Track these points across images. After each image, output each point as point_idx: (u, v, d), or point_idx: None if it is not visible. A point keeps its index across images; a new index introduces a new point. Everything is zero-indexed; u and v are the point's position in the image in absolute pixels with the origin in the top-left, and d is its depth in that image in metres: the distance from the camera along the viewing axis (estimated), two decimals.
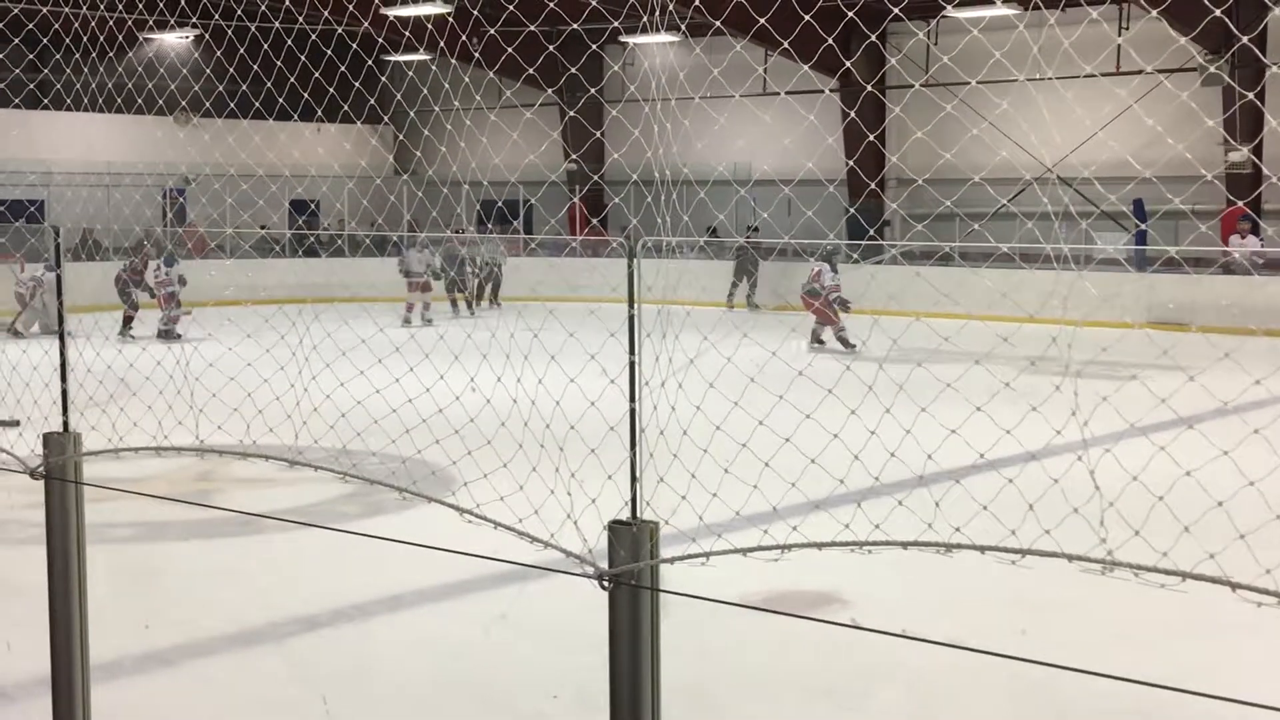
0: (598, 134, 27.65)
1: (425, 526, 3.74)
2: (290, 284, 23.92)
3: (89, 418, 3.90)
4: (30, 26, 13.95)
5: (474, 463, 3.46)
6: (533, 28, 4.54)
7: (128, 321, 20.68)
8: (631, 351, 3.03)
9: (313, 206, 30.71)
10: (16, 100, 25.52)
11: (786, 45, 5.74)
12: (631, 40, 27.85)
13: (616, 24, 4.91)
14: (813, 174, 18.80)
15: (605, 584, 3.03)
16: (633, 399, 3.04)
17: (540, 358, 3.51)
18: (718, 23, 4.02)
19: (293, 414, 3.71)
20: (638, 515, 3.08)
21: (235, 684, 6.53)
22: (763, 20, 4.04)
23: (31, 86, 23.10)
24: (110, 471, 7.31)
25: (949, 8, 17.28)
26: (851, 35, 23.64)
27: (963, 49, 9.45)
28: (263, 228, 28.59)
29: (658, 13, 3.66)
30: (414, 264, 23.20)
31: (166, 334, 20.35)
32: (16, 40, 19.91)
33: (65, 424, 4.07)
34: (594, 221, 30.53)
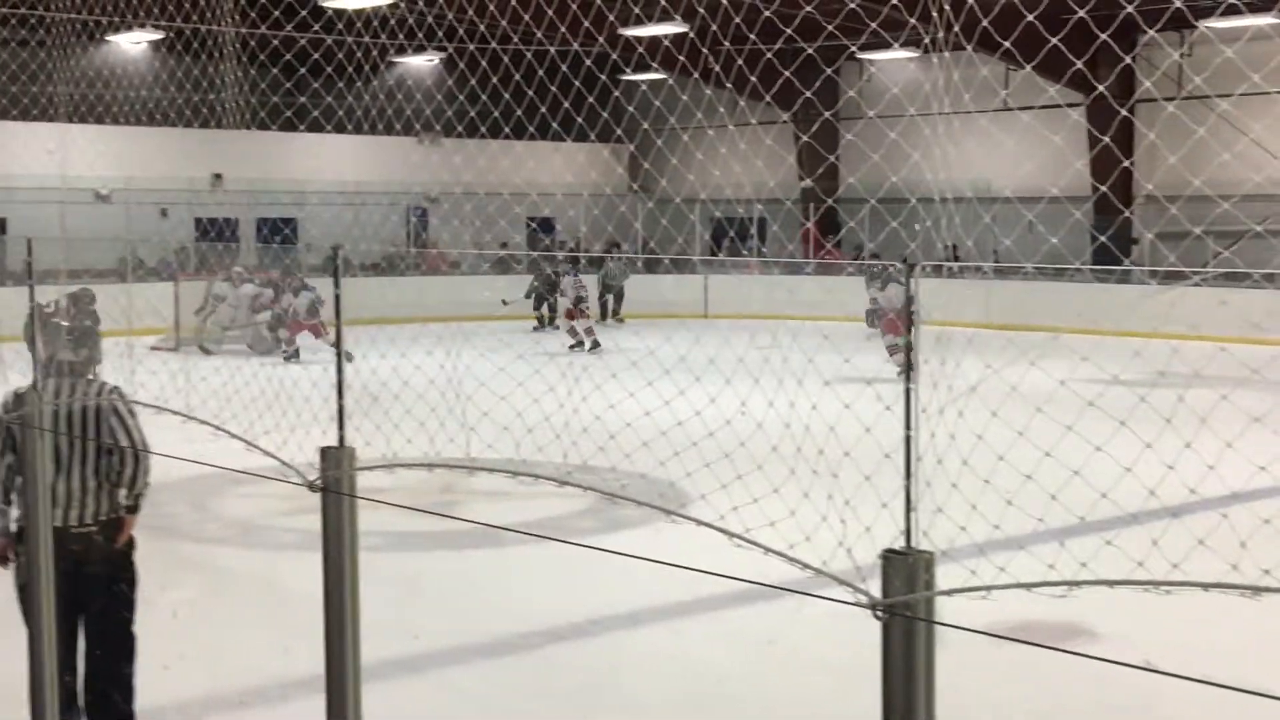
0: (831, 158, 27.46)
1: (667, 543, 3.74)
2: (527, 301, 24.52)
3: (363, 432, 4.02)
4: (288, 56, 14.64)
5: (744, 487, 3.44)
6: (769, 50, 4.51)
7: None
8: (907, 379, 2.96)
9: (534, 224, 31.31)
10: (274, 124, 26.78)
11: (1028, 67, 5.57)
12: (868, 57, 27.54)
13: (853, 46, 4.83)
14: (1050, 190, 18.24)
15: (879, 614, 2.96)
16: (908, 426, 2.97)
17: (813, 381, 3.47)
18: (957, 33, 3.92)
19: (561, 434, 3.76)
20: (913, 544, 3.01)
21: (485, 694, 6.67)
22: (1006, 44, 3.92)
23: (289, 114, 24.22)
24: (360, 482, 7.57)
25: (1203, 24, 16.54)
26: (1099, 49, 22.86)
27: (1218, 62, 9.02)
28: (503, 245, 29.33)
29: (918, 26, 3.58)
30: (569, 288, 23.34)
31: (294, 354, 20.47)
32: (275, 70, 20.92)
33: (341, 439, 4.20)
34: (828, 245, 30.28)
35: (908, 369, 2.99)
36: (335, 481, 4.18)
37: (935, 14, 3.18)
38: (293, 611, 7.51)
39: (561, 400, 4.05)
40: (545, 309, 25.10)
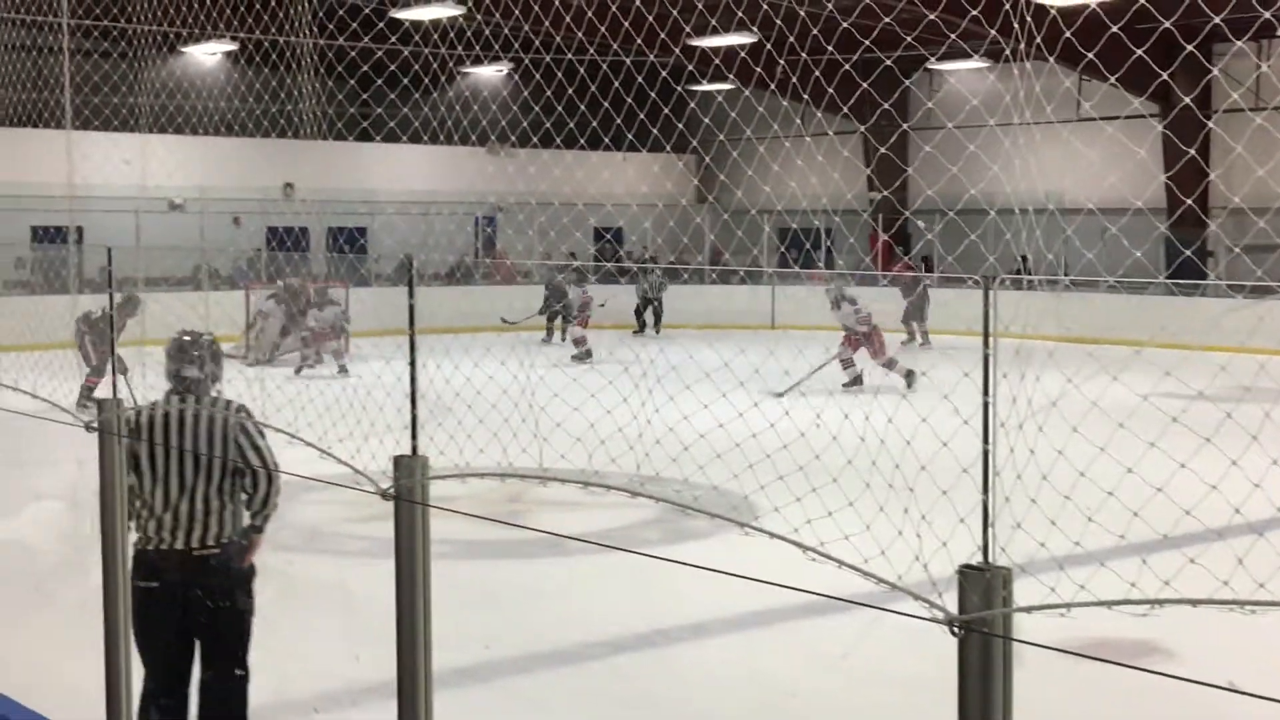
0: (908, 170, 27.30)
1: (737, 555, 3.72)
2: (599, 311, 24.60)
3: (437, 442, 4.04)
4: (365, 69, 14.79)
5: (819, 500, 3.41)
6: (846, 61, 4.48)
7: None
8: (986, 392, 2.93)
9: (607, 235, 31.38)
10: (349, 135, 27.07)
11: (1112, 79, 5.50)
12: (941, 67, 27.35)
13: (931, 58, 4.79)
14: (1128, 202, 18.01)
15: (956, 630, 2.93)
16: (986, 440, 2.93)
17: (890, 394, 3.45)
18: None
19: (635, 445, 3.76)
20: (990, 560, 2.98)
21: (549, 702, 6.69)
22: (1090, 55, 3.86)
23: (365, 125, 24.49)
24: (432, 490, 7.61)
25: None
26: (1172, 52, 22.55)
27: None
28: (571, 255, 29.44)
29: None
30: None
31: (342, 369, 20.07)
32: (352, 81, 21.19)
33: (414, 448, 4.22)
34: (906, 259, 30.08)
35: (987, 385, 2.96)
36: (408, 490, 4.21)
37: (1017, 25, 3.14)
38: (363, 618, 7.57)
39: (635, 411, 4.05)
40: (558, 320, 24.91)
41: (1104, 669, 6.01)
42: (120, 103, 23.74)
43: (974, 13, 3.49)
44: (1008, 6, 3.20)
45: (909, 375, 16.05)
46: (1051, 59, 3.70)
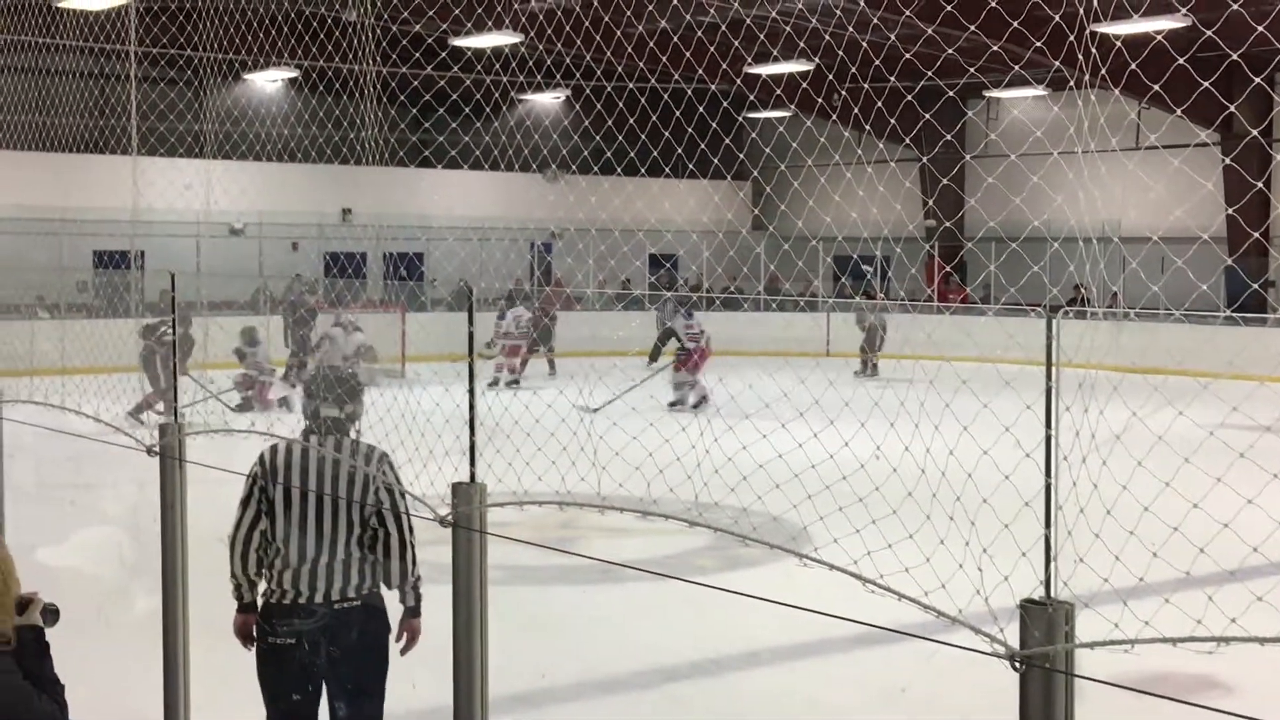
0: (971, 201, 27.21)
1: (793, 585, 3.70)
2: (645, 338, 24.58)
3: (495, 469, 4.06)
4: (428, 97, 14.94)
5: (878, 532, 3.40)
6: (908, 91, 4.48)
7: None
8: (1048, 424, 2.90)
9: (666, 263, 31.42)
10: (410, 162, 27.31)
11: (1179, 112, 5.44)
12: (997, 95, 27.23)
13: (992, 86, 4.77)
14: (1190, 233, 17.84)
15: (1017, 665, 2.90)
16: (1048, 474, 2.91)
17: (950, 426, 3.43)
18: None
19: (693, 474, 3.76)
20: (1053, 594, 2.95)
21: None
22: (1156, 87, 3.84)
23: (427, 153, 24.70)
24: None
25: None
26: (1234, 81, 22.32)
27: None
28: (625, 282, 29.47)
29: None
30: (510, 325, 22.96)
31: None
32: (414, 110, 21.43)
33: (472, 475, 4.24)
34: (966, 289, 29.92)
35: (1049, 418, 2.93)
36: (466, 517, 4.23)
37: (1081, 56, 3.13)
38: (418, 643, 7.59)
39: (693, 441, 4.05)
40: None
41: (1160, 705, 5.94)
42: (186, 130, 24.08)
43: (1037, 44, 3.47)
44: (1071, 38, 3.19)
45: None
46: (1116, 89, 3.68)
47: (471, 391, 4.22)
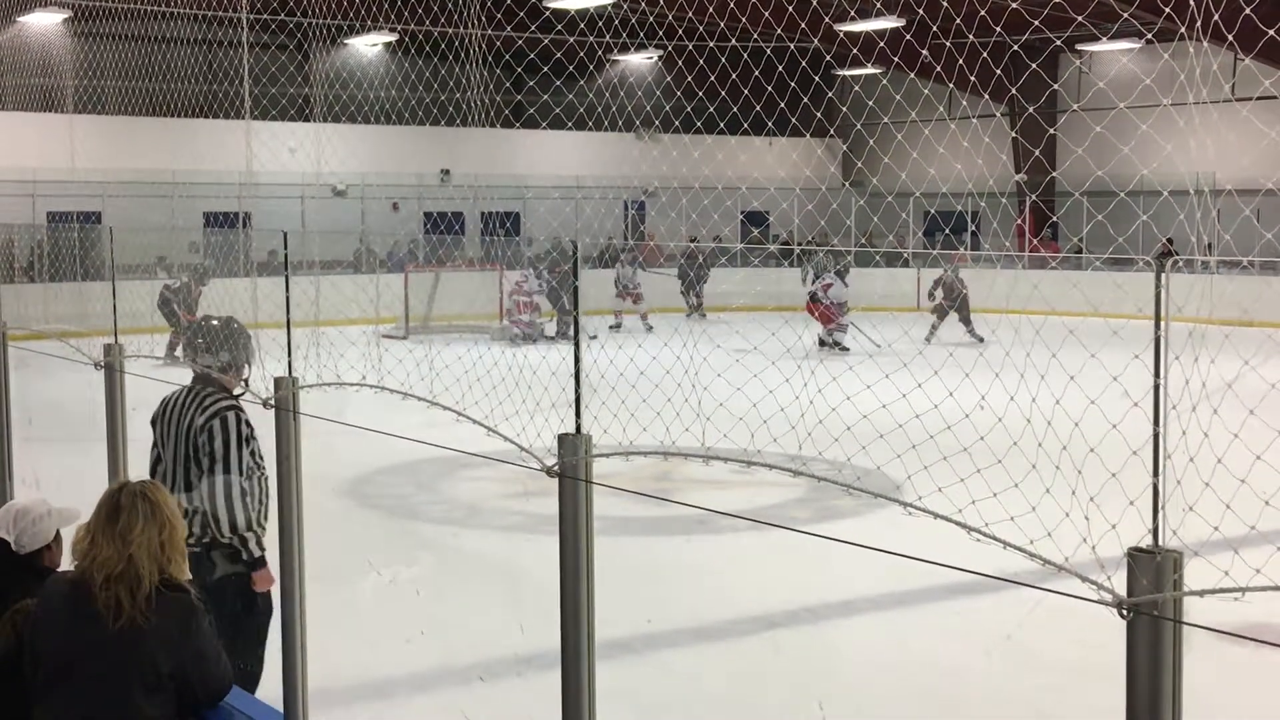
0: (1079, 150, 26.75)
1: (883, 533, 3.74)
2: (750, 294, 24.58)
3: (601, 421, 4.14)
4: (533, 56, 15.01)
5: (983, 481, 3.42)
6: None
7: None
8: (1157, 374, 2.90)
9: (769, 218, 31.30)
10: (516, 121, 27.53)
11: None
12: (1087, 48, 26.67)
13: (1101, 36, 4.72)
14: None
15: (1124, 613, 2.92)
16: (1156, 423, 2.91)
17: (1057, 377, 3.44)
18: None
19: (796, 425, 3.81)
20: (1160, 543, 2.96)
21: (699, 676, 6.79)
22: (1272, 32, 3.78)
23: (532, 112, 24.88)
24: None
25: None
26: None
27: None
28: (716, 239, 29.45)
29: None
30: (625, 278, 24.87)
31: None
32: (519, 70, 21.62)
33: (578, 425, 4.32)
34: (1055, 243, 29.48)
35: (1158, 368, 2.93)
36: (573, 467, 4.32)
37: (1190, 4, 3.09)
38: (524, 590, 7.77)
39: (796, 392, 4.09)
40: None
41: (1266, 653, 5.90)
42: (296, 93, 24.41)
43: None
44: None
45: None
46: (1215, 38, 3.64)
47: (576, 344, 4.29)
